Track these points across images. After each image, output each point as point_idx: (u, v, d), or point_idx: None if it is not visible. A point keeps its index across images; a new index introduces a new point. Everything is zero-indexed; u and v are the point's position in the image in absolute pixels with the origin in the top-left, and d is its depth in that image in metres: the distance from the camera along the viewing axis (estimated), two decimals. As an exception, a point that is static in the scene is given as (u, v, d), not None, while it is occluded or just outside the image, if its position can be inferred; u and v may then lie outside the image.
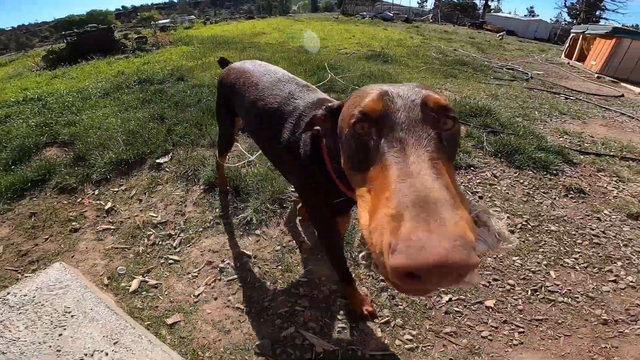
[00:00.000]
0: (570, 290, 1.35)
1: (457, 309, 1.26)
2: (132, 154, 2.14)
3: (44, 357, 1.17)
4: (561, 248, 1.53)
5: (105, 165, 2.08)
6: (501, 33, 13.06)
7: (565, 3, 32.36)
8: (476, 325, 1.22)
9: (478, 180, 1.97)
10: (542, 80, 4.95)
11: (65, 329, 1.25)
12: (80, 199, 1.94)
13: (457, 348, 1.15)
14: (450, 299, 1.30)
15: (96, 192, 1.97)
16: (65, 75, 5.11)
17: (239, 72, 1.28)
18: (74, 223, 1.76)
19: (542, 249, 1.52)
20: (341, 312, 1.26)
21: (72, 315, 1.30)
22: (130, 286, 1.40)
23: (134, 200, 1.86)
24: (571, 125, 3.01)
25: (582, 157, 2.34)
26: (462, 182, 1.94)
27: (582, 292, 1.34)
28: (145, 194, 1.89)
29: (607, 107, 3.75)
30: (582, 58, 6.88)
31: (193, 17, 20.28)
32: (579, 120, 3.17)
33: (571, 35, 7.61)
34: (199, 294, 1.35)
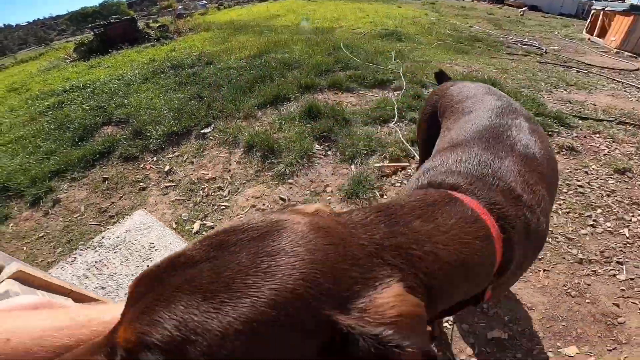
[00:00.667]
0: (551, 231, 1.50)
1: None
2: (179, 127, 2.54)
3: None
4: None
5: (159, 136, 2.49)
6: (523, 8, 12.54)
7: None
8: None
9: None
10: (557, 55, 4.97)
11: (151, 261, 1.57)
12: (142, 164, 2.35)
13: None
14: None
15: (154, 158, 2.39)
16: (100, 65, 5.55)
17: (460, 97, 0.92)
18: (141, 183, 2.17)
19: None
20: None
21: (156, 249, 1.64)
22: (193, 228, 1.75)
23: (187, 163, 2.26)
24: (576, 95, 3.16)
25: (580, 121, 2.54)
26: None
27: (562, 233, 1.51)
28: (195, 157, 2.29)
29: (617, 79, 3.82)
30: (602, 34, 6.72)
31: (204, 1, 20.34)
32: (584, 91, 3.31)
33: (592, 11, 7.39)
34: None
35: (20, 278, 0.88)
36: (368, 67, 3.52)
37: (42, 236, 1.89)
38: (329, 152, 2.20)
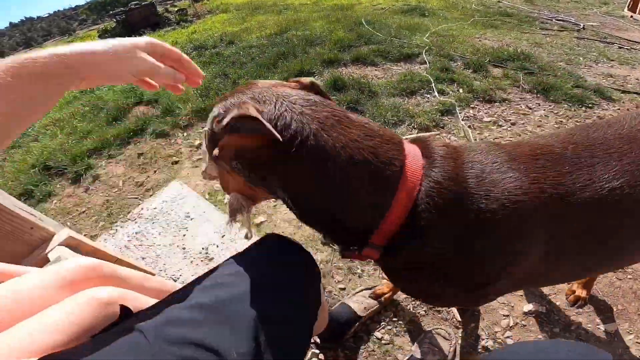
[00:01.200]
0: None
1: None
2: (207, 103, 2.59)
3: (173, 256, 1.49)
4: None
5: (188, 113, 2.56)
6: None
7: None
8: None
9: (512, 111, 2.17)
10: (596, 31, 4.64)
11: (187, 230, 1.61)
12: (174, 140, 2.43)
13: None
14: None
15: (185, 134, 2.45)
16: (125, 49, 5.67)
17: None
18: (173, 157, 2.24)
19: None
20: None
21: (191, 219, 1.68)
22: (225, 198, 1.80)
23: (217, 138, 2.32)
24: (618, 70, 2.96)
25: (622, 95, 2.40)
26: (495, 113, 2.16)
27: None
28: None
29: (664, 54, 3.54)
30: (646, 11, 6.21)
31: None
32: (627, 66, 3.09)
33: (636, -13, 6.79)
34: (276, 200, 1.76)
35: (70, 245, 0.95)
36: (392, 41, 3.41)
37: (84, 211, 1.99)
38: (356, 124, 2.19)
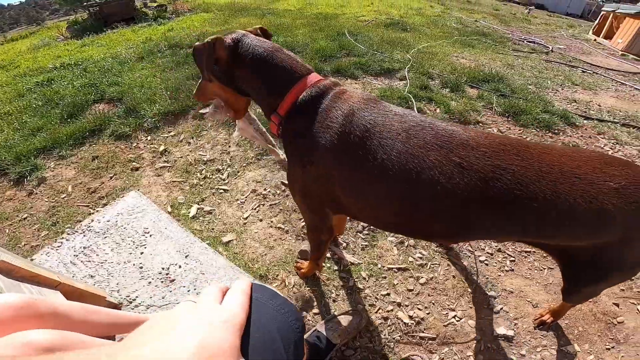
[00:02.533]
0: None
1: None
2: (176, 106, 2.44)
3: (128, 275, 1.33)
4: None
5: (154, 115, 2.39)
6: (529, 7, 12.42)
7: (604, -21, 30.14)
8: (475, 250, 1.46)
9: (484, 135, 2.20)
10: (563, 54, 4.93)
11: (145, 247, 1.45)
12: (135, 143, 2.25)
13: (459, 268, 1.39)
14: None
15: (149, 138, 2.28)
16: (94, 44, 5.32)
17: None
18: (134, 163, 2.06)
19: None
20: (365, 232, 1.53)
21: (150, 235, 1.51)
22: (189, 213, 1.67)
23: (183, 143, 2.17)
24: (581, 95, 3.13)
25: (585, 121, 2.51)
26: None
27: None
28: (192, 138, 2.19)
29: (622, 82, 3.79)
30: (609, 36, 6.70)
31: None
32: (590, 91, 3.28)
33: (602, 12, 7.34)
34: (247, 217, 1.63)
35: (3, 269, 0.80)
36: (373, 55, 3.42)
37: (26, 218, 1.76)
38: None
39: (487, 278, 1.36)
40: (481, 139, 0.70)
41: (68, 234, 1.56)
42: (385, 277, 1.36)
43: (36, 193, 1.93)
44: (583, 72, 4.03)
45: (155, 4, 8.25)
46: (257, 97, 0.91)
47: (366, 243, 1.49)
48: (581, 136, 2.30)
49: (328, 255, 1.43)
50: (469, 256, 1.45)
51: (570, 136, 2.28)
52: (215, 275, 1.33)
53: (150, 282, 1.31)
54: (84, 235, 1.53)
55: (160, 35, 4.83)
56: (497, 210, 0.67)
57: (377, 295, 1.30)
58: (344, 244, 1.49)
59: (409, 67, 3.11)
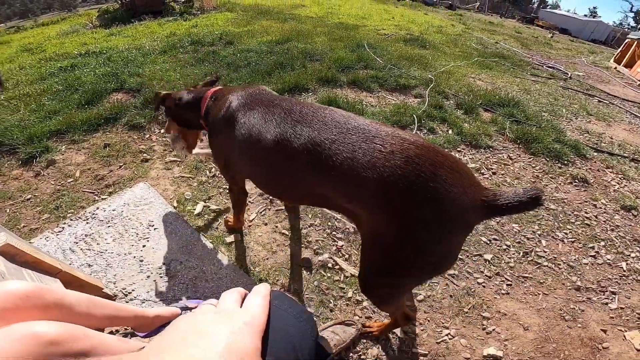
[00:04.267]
0: (555, 257, 1.59)
1: (460, 257, 1.53)
2: (193, 103, 2.49)
3: (127, 267, 1.31)
4: (555, 223, 1.77)
5: (170, 110, 2.44)
6: (553, 31, 12.37)
7: (631, 8, 30.12)
8: (474, 272, 1.48)
9: (494, 160, 2.20)
10: (581, 81, 4.89)
11: (148, 241, 1.43)
12: (148, 135, 2.29)
13: (457, 288, 1.40)
14: None
15: (162, 130, 2.33)
16: (120, 34, 5.46)
17: None
18: (144, 154, 2.09)
19: (539, 222, 1.76)
20: None
21: (155, 229, 1.50)
22: (195, 209, 1.67)
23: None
24: (594, 126, 3.10)
25: (595, 154, 2.49)
26: (479, 159, 2.17)
27: (564, 261, 1.58)
28: (205, 135, 2.23)
29: (637, 114, 3.74)
30: (630, 64, 6.60)
31: None
32: (603, 122, 3.24)
33: (626, 40, 7.25)
34: (252, 220, 1.64)
35: (6, 253, 0.81)
36: (391, 70, 3.45)
37: (29, 199, 1.77)
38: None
39: (483, 299, 1.37)
40: (310, 110, 0.90)
41: (71, 219, 1.54)
42: (383, 291, 1.37)
43: (43, 175, 1.94)
44: (599, 101, 3.98)
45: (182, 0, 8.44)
46: (192, 119, 1.33)
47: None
48: (589, 169, 2.29)
49: (329, 265, 1.45)
50: (468, 277, 1.46)
51: (579, 168, 2.26)
52: (216, 276, 1.33)
53: (149, 276, 1.29)
54: (87, 223, 1.51)
55: (184, 31, 4.95)
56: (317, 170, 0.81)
57: (375, 309, 1.30)
58: (347, 255, 1.50)
59: (431, 87, 3.11)
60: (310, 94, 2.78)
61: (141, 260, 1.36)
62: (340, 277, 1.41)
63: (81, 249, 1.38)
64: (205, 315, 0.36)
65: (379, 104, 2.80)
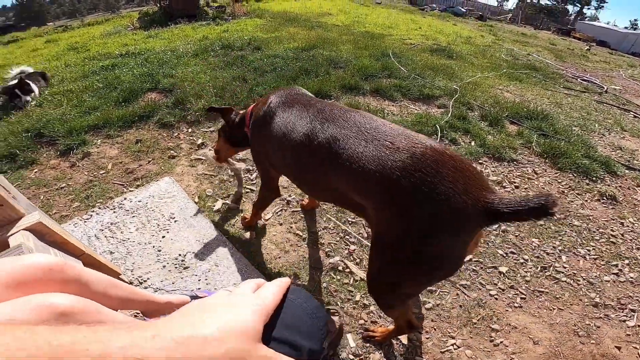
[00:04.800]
0: (574, 274, 1.53)
1: (474, 268, 1.50)
2: (220, 104, 2.60)
3: (146, 256, 1.37)
4: (578, 240, 1.70)
5: (198, 110, 2.56)
6: (590, 43, 11.82)
7: (679, 20, 28.08)
8: (487, 284, 1.44)
9: (518, 173, 2.14)
10: (617, 95, 4.64)
11: (168, 232, 1.49)
12: (177, 133, 2.42)
13: (468, 298, 1.38)
14: (470, 259, 1.53)
15: (189, 130, 2.45)
16: (157, 36, 5.79)
17: None
18: (172, 151, 2.20)
19: (561, 237, 1.70)
20: None
21: (175, 221, 1.56)
22: (214, 206, 1.74)
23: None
24: (628, 142, 2.93)
25: (627, 171, 2.36)
26: (502, 173, 2.13)
27: (584, 277, 1.52)
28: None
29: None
30: (675, 80, 6.19)
31: None
32: (638, 139, 3.06)
33: (669, 53, 6.81)
34: (268, 219, 1.68)
35: (37, 231, 0.87)
36: (415, 79, 3.44)
37: (63, 187, 1.90)
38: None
39: (494, 311, 1.34)
40: (337, 111, 0.96)
41: (99, 208, 1.63)
42: (392, 297, 1.38)
43: (78, 166, 2.09)
44: (635, 117, 3.76)
45: (216, 4, 8.83)
46: (240, 134, 1.41)
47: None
48: (620, 186, 2.17)
49: (340, 268, 1.47)
50: (480, 289, 1.43)
51: (609, 185, 2.15)
52: (228, 270, 1.35)
53: (164, 266, 1.34)
54: (114, 212, 1.60)
55: (215, 35, 5.17)
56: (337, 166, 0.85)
57: (382, 313, 1.30)
58: (358, 260, 1.52)
59: (455, 98, 3.07)
60: (332, 100, 2.83)
61: (159, 250, 1.41)
62: (349, 281, 1.42)
63: (105, 237, 1.46)
64: (217, 298, 0.37)
65: (401, 112, 2.81)
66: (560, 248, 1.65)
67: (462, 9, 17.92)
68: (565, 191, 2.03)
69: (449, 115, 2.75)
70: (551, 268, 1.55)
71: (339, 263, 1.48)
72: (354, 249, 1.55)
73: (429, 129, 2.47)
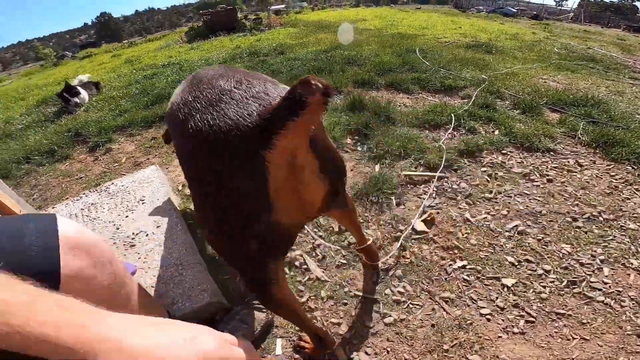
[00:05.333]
0: (619, 292, 1.13)
1: (466, 277, 1.20)
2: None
3: (105, 233, 1.37)
4: (632, 247, 1.29)
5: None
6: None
7: None
8: (480, 299, 1.12)
9: (554, 165, 1.76)
10: None
11: (133, 213, 1.48)
12: (189, 131, 2.52)
13: (446, 316, 1.08)
14: (464, 266, 1.24)
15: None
16: (199, 48, 6.28)
17: None
18: None
19: (606, 244, 1.31)
20: (350, 248, 1.34)
21: (143, 203, 1.55)
22: None
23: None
24: None
25: None
26: (531, 164, 1.78)
27: (632, 297, 1.11)
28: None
29: None
30: None
31: (305, 3, 22.59)
32: None
33: None
34: None
35: None
36: (437, 72, 3.17)
37: (82, 177, 2.11)
38: (358, 148, 2.01)
39: (480, 337, 1.02)
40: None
41: (90, 191, 1.73)
42: (345, 304, 1.15)
43: (100, 160, 2.31)
44: None
45: (253, 17, 9.35)
46: None
47: (345, 262, 1.30)
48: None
49: (297, 263, 1.31)
50: (468, 305, 1.11)
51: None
52: (169, 250, 1.27)
53: (115, 243, 1.32)
54: (99, 194, 1.66)
55: (247, 44, 5.42)
56: None
57: (326, 321, 1.10)
58: (320, 256, 1.34)
59: (482, 87, 2.76)
60: (342, 95, 2.71)
61: (117, 229, 1.40)
62: (302, 279, 1.25)
63: (83, 215, 1.52)
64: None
65: (414, 104, 2.57)
66: (602, 257, 1.26)
67: (513, 9, 16.70)
68: (620, 186, 1.61)
69: (470, 103, 2.44)
70: (583, 283, 1.17)
71: (297, 258, 1.32)
72: (320, 244, 1.38)
73: (443, 118, 2.20)
